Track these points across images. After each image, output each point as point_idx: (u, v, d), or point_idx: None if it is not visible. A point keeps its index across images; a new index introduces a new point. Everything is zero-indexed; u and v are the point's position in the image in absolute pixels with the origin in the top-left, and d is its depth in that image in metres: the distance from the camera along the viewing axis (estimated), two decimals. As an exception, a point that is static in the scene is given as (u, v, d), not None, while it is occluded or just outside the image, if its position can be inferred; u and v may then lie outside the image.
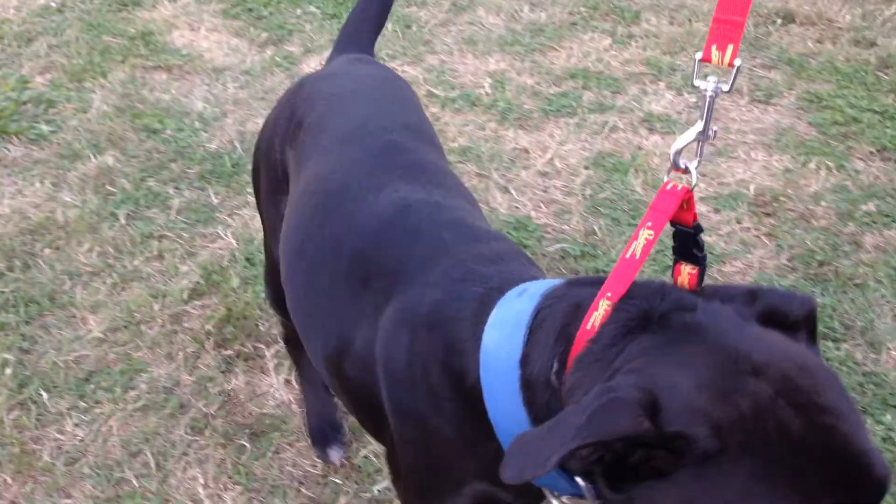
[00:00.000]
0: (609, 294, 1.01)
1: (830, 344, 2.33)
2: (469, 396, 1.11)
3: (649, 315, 0.98)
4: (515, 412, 1.04)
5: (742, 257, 2.61)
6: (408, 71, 3.66)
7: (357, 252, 1.36)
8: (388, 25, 4.01)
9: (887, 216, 2.76)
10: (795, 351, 0.93)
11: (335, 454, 2.03)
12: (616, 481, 0.88)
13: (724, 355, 0.90)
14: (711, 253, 2.60)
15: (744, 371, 0.87)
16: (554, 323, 1.05)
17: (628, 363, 0.93)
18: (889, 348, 2.33)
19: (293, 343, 2.03)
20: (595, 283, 1.05)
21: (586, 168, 3.03)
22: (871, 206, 2.79)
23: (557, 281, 1.14)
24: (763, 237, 2.70)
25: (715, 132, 1.13)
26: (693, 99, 3.44)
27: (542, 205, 2.86)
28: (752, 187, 2.91)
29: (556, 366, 1.02)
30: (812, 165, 3.01)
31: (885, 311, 2.44)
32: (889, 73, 3.61)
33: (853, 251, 2.63)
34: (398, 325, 1.22)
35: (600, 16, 4.19)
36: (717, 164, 3.05)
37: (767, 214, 2.80)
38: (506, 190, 2.92)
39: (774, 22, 4.05)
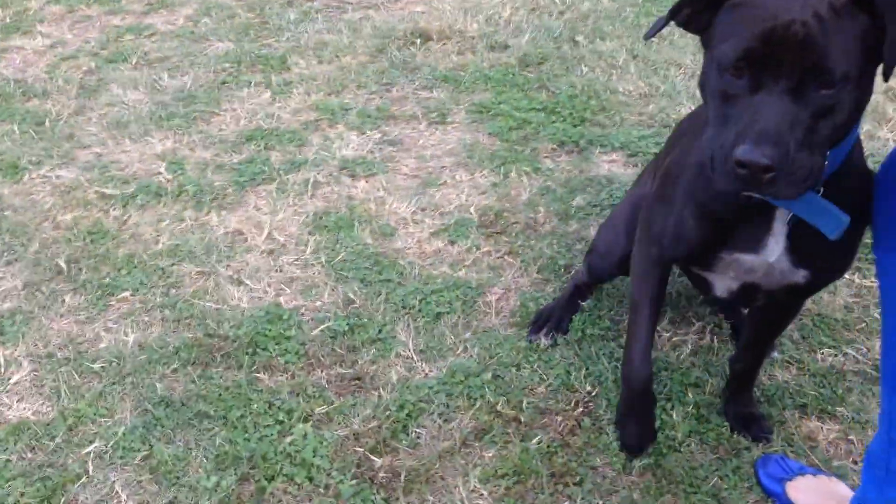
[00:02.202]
0: None
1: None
2: None
3: None
4: None
5: (497, 283, 2.64)
6: (63, 176, 3.17)
7: None
8: (14, 126, 3.45)
9: (595, 205, 2.97)
10: None
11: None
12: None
13: None
14: (470, 287, 2.60)
15: None
16: None
17: None
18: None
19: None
20: None
21: (310, 234, 2.85)
22: (579, 200, 2.98)
23: None
24: (506, 257, 2.76)
25: None
26: (379, 136, 3.42)
27: (284, 287, 2.64)
28: (472, 210, 2.96)
29: None
30: (513, 175, 3.14)
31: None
32: (531, 71, 3.90)
33: (583, 248, 2.79)
34: None
35: (247, 68, 3.99)
36: (430, 195, 3.05)
37: (499, 233, 2.86)
38: (239, 282, 2.65)
39: (414, 43, 4.18)
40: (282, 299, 2.58)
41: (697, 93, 3.58)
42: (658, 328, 2.40)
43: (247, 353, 2.36)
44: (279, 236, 2.85)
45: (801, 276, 1.65)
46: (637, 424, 2.07)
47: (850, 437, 2.10)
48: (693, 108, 3.48)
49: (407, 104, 3.66)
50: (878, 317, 2.43)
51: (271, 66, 3.99)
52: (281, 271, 2.70)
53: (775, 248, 1.60)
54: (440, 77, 3.85)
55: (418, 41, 4.18)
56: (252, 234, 2.85)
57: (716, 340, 2.40)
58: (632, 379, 2.01)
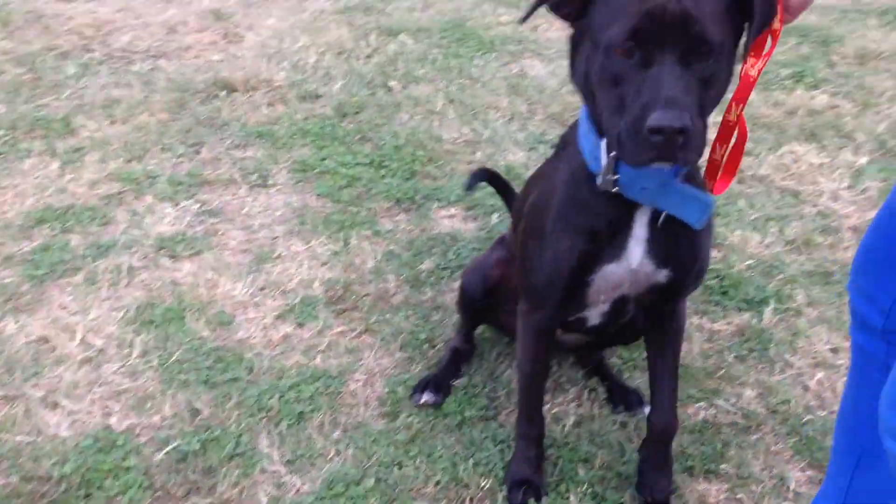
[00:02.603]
0: None
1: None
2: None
3: None
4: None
5: (358, 367, 2.41)
6: None
7: None
8: None
9: (444, 268, 2.82)
10: None
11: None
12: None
13: None
14: (330, 377, 2.36)
15: None
16: None
17: None
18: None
19: None
20: None
21: (135, 332, 2.48)
22: (428, 264, 2.82)
23: None
24: (363, 336, 2.54)
25: None
26: (197, 206, 3.07)
27: (111, 403, 2.25)
28: (317, 285, 2.72)
29: None
30: (353, 241, 2.93)
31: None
32: (350, 121, 3.71)
33: (441, 317, 2.63)
34: None
35: (25, 135, 3.49)
36: (266, 271, 2.77)
37: (350, 309, 2.64)
38: (54, 404, 2.23)
39: (217, 95, 3.85)
40: (112, 420, 2.20)
41: (520, 137, 3.59)
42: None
43: (79, 497, 1.97)
44: (96, 340, 2.45)
45: (663, 275, 1.75)
46: (528, 467, 2.06)
47: (739, 496, 2.08)
48: (519, 153, 3.45)
49: (221, 166, 3.34)
50: (733, 360, 2.48)
51: (54, 129, 3.51)
52: (105, 384, 2.31)
53: (637, 252, 1.70)
54: (253, 133, 3.56)
55: (222, 93, 3.85)
56: (61, 341, 2.43)
57: (595, 407, 2.32)
58: (530, 436, 2.05)
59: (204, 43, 4.47)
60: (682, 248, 1.73)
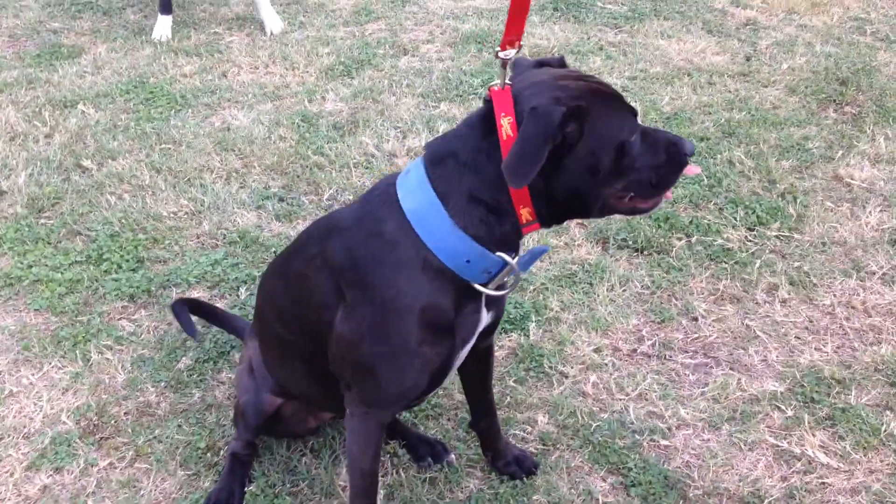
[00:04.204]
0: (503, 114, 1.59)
1: None
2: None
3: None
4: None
5: (139, 501, 2.16)
6: None
7: None
8: None
9: (206, 361, 2.61)
10: (565, 71, 1.72)
11: None
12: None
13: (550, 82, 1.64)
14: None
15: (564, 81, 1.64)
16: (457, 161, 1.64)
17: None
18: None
19: None
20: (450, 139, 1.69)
21: None
22: (186, 361, 2.59)
23: (418, 159, 1.69)
24: (136, 462, 2.27)
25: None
26: None
27: None
28: (64, 418, 2.39)
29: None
30: (94, 355, 2.61)
31: None
32: (49, 216, 3.31)
33: (217, 416, 2.43)
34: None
35: None
36: (-2, 417, 2.39)
37: (112, 435, 2.35)
38: None
39: None
40: None
41: (244, 196, 3.43)
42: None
43: None
44: None
45: (491, 317, 1.87)
46: None
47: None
48: (248, 214, 3.29)
49: None
50: (514, 384, 2.55)
51: None
52: None
53: (485, 311, 1.80)
54: (-68, 252, 3.05)
55: None
56: None
57: (401, 472, 2.28)
58: None
59: None
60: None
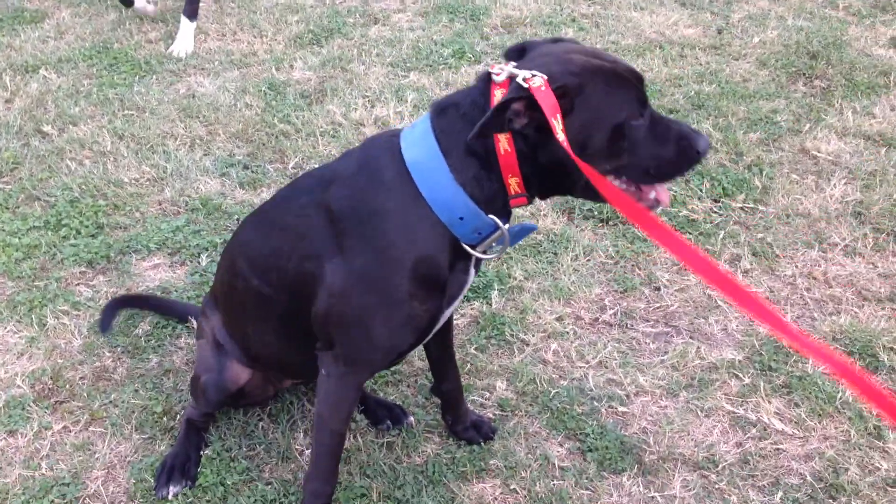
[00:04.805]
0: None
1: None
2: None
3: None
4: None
5: (94, 464, 2.14)
6: None
7: None
8: None
9: (164, 326, 2.58)
10: (579, 46, 1.74)
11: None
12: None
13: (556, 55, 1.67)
14: (64, 484, 2.06)
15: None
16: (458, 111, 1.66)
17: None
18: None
19: None
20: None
21: None
22: (144, 326, 2.57)
23: (426, 114, 1.71)
24: (91, 426, 2.24)
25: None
26: None
27: None
28: (19, 382, 2.36)
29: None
30: (50, 320, 2.58)
31: None
32: (7, 181, 3.26)
33: (174, 381, 2.41)
34: None
35: None
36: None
37: (67, 399, 2.32)
38: None
39: None
40: None
41: (207, 164, 3.38)
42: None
43: None
44: None
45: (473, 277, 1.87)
46: None
47: (512, 486, 2.16)
48: (211, 181, 3.25)
49: None
50: (475, 352, 2.54)
51: None
52: None
53: (472, 269, 1.82)
54: None
55: None
56: None
57: (358, 437, 2.27)
58: (325, 493, 1.97)
59: None
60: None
